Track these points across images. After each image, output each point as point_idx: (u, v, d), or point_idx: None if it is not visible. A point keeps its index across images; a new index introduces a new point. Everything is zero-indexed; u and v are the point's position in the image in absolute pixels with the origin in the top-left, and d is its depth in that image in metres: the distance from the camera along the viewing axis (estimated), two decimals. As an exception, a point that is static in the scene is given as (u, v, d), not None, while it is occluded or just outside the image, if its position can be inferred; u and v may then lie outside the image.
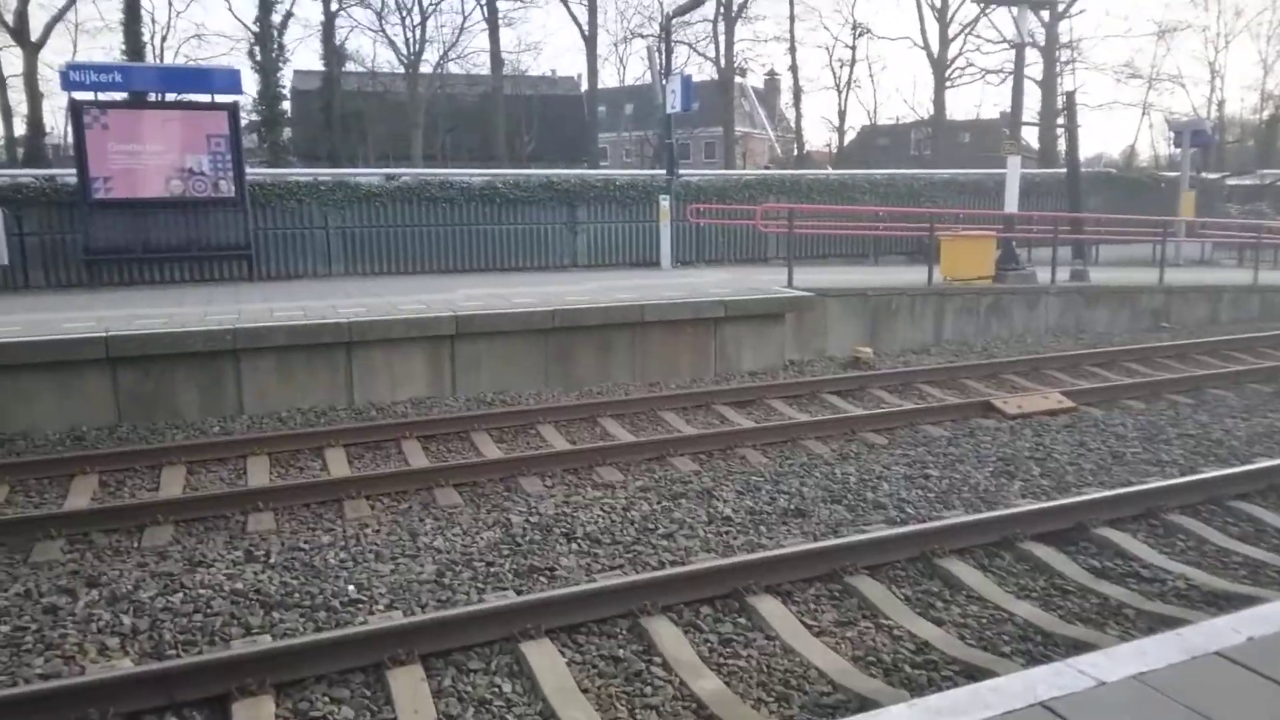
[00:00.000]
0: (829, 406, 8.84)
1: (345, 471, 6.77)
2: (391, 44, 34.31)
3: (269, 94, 28.38)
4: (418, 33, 34.12)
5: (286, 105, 32.29)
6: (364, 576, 4.85)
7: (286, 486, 6.24)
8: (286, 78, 31.09)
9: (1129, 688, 2.59)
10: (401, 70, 34.61)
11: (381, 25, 33.77)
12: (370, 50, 53.21)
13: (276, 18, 28.29)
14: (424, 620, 4.04)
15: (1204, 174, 24.26)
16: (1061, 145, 20.72)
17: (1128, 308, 13.68)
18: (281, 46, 28.67)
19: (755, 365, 10.49)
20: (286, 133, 32.39)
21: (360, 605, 4.52)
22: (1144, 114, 47.33)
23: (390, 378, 8.92)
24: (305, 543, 5.38)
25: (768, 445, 7.44)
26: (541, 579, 4.82)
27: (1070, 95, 18.77)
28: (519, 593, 4.57)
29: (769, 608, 4.43)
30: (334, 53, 32.64)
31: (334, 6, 31.93)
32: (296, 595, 4.61)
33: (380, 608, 4.48)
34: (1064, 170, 17.65)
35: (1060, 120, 19.67)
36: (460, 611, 4.12)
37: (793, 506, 5.95)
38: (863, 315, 11.66)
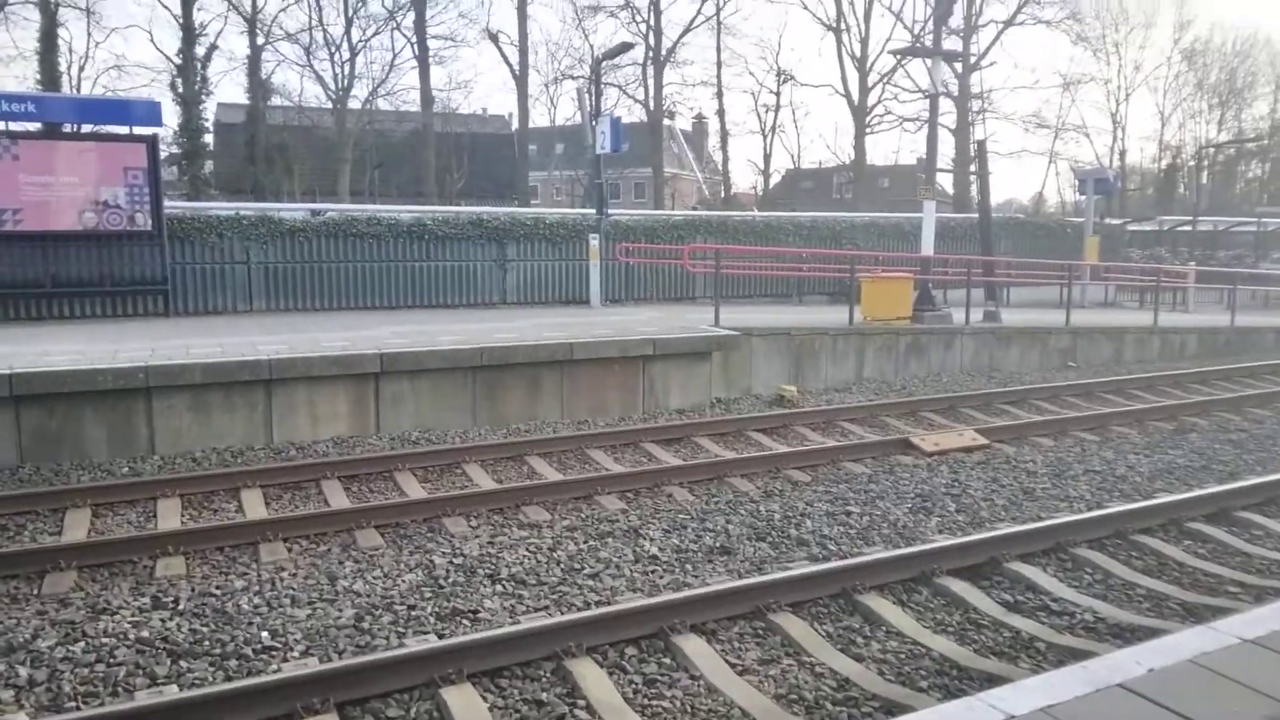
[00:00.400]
0: (755, 444, 8.96)
1: (262, 513, 6.57)
2: (319, 79, 33.88)
3: (191, 126, 27.74)
4: (346, 68, 33.85)
5: (209, 138, 31.59)
6: (279, 622, 4.70)
7: (199, 529, 6.03)
8: (210, 110, 30.45)
9: None
10: (329, 105, 34.27)
11: (309, 61, 33.44)
12: (297, 85, 52.67)
13: (200, 50, 27.75)
14: (340, 667, 3.94)
15: (1107, 220, 25.57)
16: (974, 191, 21.62)
17: (1037, 348, 14.25)
18: (205, 79, 28.10)
19: (683, 403, 10.59)
20: (208, 166, 31.67)
21: (274, 652, 4.38)
22: (1051, 162, 49.70)
23: (312, 416, 8.73)
24: (217, 588, 5.20)
25: (695, 483, 7.50)
26: (464, 622, 4.74)
27: (981, 144, 19.61)
28: (441, 636, 4.49)
29: (694, 647, 4.44)
30: (259, 86, 32.13)
31: (260, 41, 31.52)
32: (206, 643, 4.44)
33: (295, 655, 4.35)
34: (977, 215, 18.39)
35: (973, 167, 20.54)
36: (379, 657, 4.02)
37: (718, 544, 6.00)
38: (787, 354, 11.89)
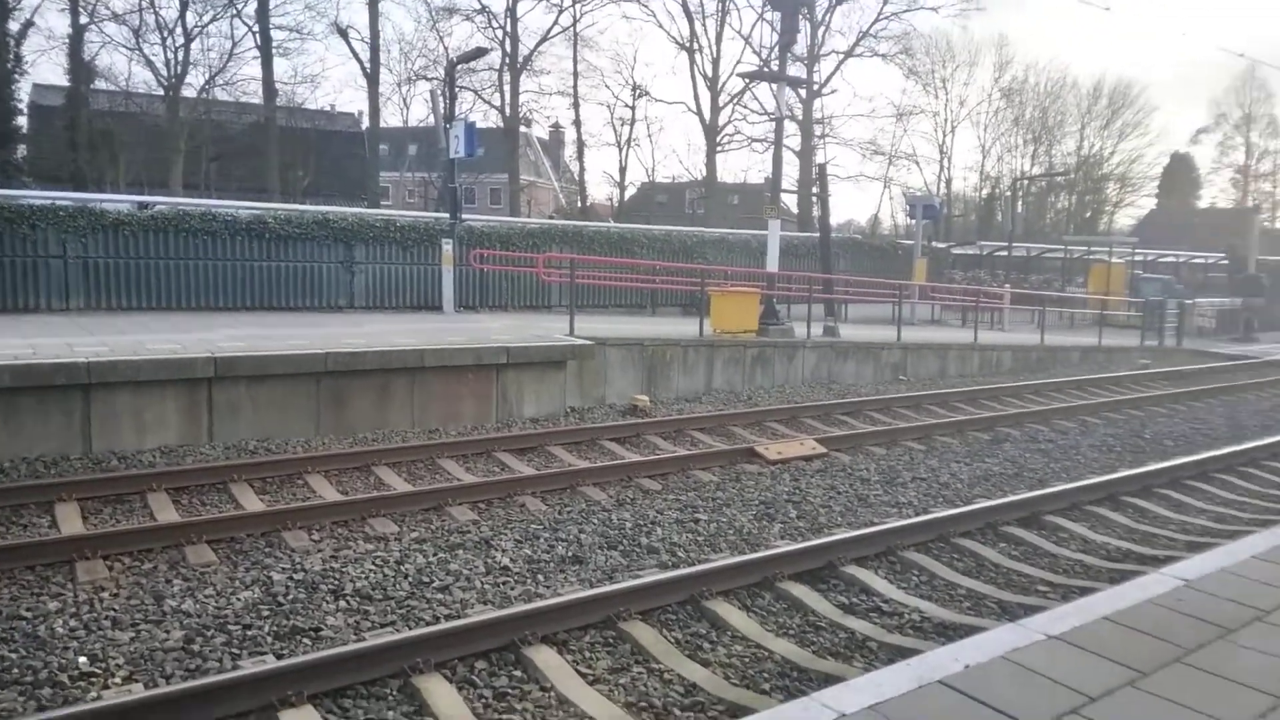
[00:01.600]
0: (608, 453, 9.05)
1: (78, 529, 6.08)
2: (150, 64, 31.55)
3: (1, 108, 25.29)
4: (181, 54, 31.73)
5: (23, 121, 28.89)
6: (98, 646, 4.38)
7: (5, 547, 5.51)
8: (24, 91, 27.88)
9: (865, 717, 2.85)
10: (160, 92, 32.02)
11: (139, 44, 31.13)
12: (125, 68, 48.91)
13: (14, 25, 25.36)
14: (167, 693, 3.71)
15: (934, 243, 27.41)
16: (816, 212, 22.69)
17: (872, 362, 15.10)
18: (19, 57, 25.70)
19: (537, 412, 10.56)
20: (21, 150, 28.93)
21: (94, 679, 4.07)
22: (885, 187, 52.83)
23: (137, 424, 8.14)
24: (27, 610, 4.78)
25: (548, 493, 7.50)
26: (305, 641, 4.56)
27: (822, 167, 20.66)
28: (279, 656, 4.30)
29: (545, 658, 4.45)
30: (81, 68, 29.66)
31: (83, 20, 29.12)
32: (16, 670, 4.09)
33: (117, 681, 4.06)
34: (818, 234, 19.30)
35: (815, 189, 21.56)
36: (210, 681, 3.81)
37: (571, 554, 6.03)
38: (640, 364, 12.08)
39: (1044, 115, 55.83)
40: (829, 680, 4.22)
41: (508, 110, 36.80)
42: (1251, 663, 3.39)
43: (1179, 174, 66.38)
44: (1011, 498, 7.40)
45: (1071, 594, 5.44)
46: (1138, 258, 31.56)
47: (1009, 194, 49.49)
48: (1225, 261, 31.40)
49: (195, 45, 32.40)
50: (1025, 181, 54.76)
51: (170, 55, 31.69)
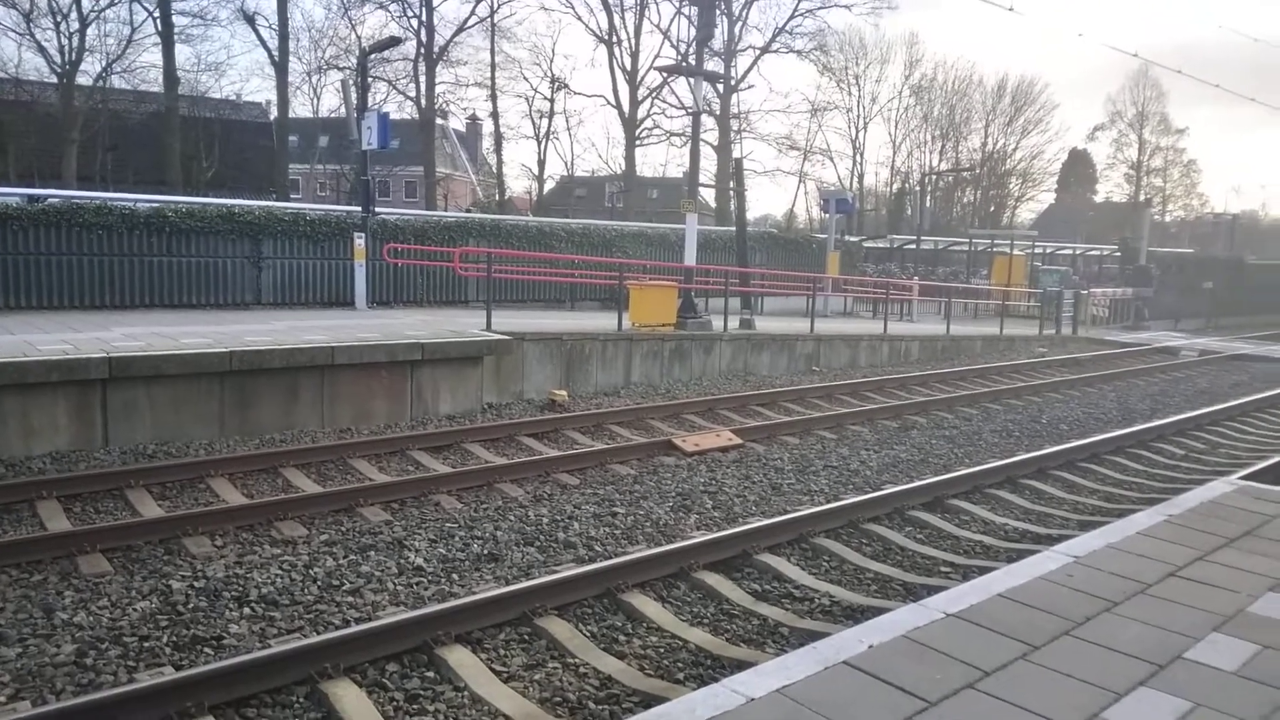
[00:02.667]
0: (525, 449, 8.99)
1: (-42, 542, 5.73)
2: (42, 50, 29.84)
3: (-127, 92, 23.60)
4: (75, 40, 30.14)
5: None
6: (-21, 666, 4.14)
7: (-127, 565, 5.17)
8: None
9: (772, 701, 2.91)
10: (53, 80, 30.36)
11: (30, 29, 29.42)
12: (15, 55, 46.19)
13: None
14: (55, 710, 3.53)
15: (847, 237, 28.04)
16: (733, 206, 22.97)
17: (786, 353, 15.38)
18: (-102, 41, 24.01)
19: (453, 409, 10.42)
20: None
21: (-27, 701, 3.85)
22: (800, 182, 53.77)
23: (24, 429, 7.72)
24: (-102, 632, 4.49)
25: (463, 490, 7.41)
26: (207, 650, 4.40)
27: (739, 161, 20.92)
28: (178, 668, 4.15)
29: (458, 658, 4.40)
30: (-34, 53, 27.92)
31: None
32: (-118, 698, 3.83)
33: (2, 699, 3.85)
34: (735, 228, 19.54)
35: (731, 183, 21.81)
36: (102, 696, 3.65)
37: (486, 552, 5.97)
38: (559, 359, 12.04)
39: (951, 112, 57.74)
40: (741, 666, 4.29)
41: (423, 101, 36.15)
42: (1135, 632, 3.57)
43: (1077, 169, 69.57)
44: (917, 483, 7.63)
45: (972, 573, 5.64)
46: (1038, 250, 32.93)
47: (918, 189, 51.04)
48: (1118, 254, 33.00)
49: (91, 31, 30.87)
50: (934, 177, 56.53)
51: (64, 41, 30.09)
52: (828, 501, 7.27)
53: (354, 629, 4.44)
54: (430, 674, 4.31)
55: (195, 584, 5.19)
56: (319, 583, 5.31)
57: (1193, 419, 11.23)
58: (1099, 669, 3.23)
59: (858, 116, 54.00)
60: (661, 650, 4.70)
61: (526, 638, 4.75)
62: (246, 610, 4.89)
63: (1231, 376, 16.94)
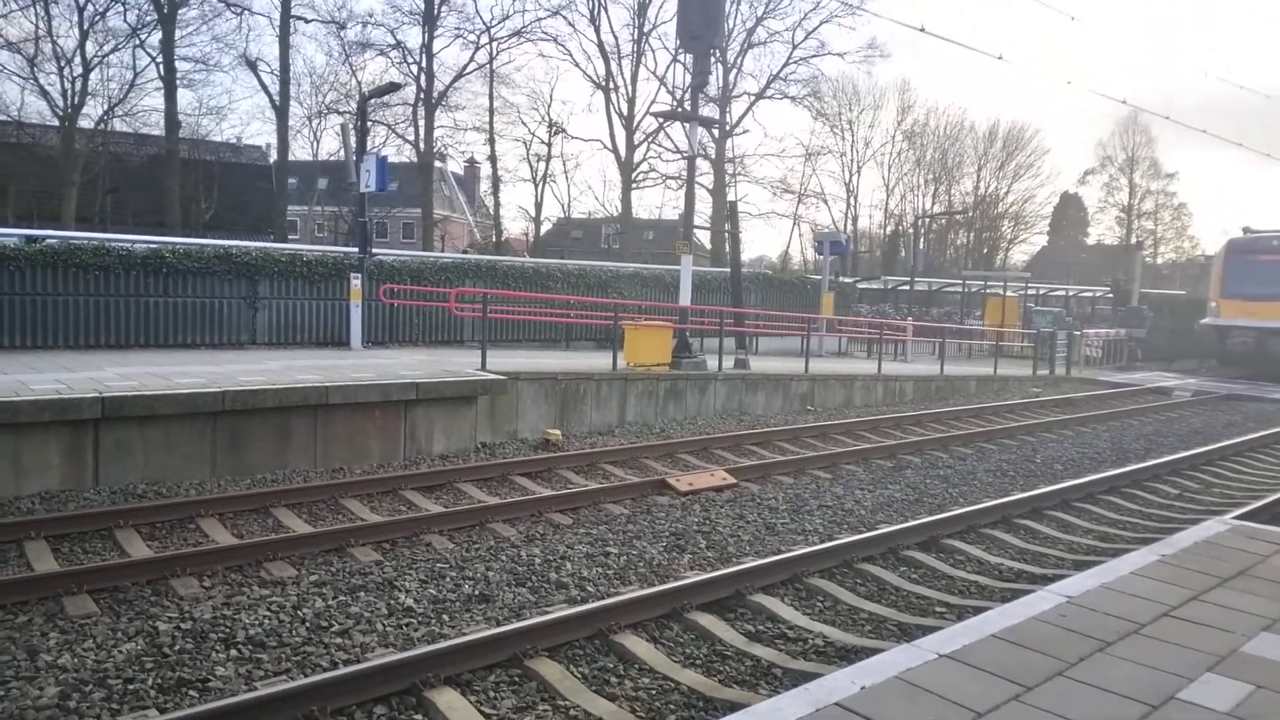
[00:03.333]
0: (518, 489, 8.96)
1: (-57, 583, 5.67)
2: (45, 94, 30.18)
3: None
4: (78, 84, 30.51)
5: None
6: (-40, 709, 4.08)
7: None
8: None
9: (762, 741, 2.88)
10: (55, 123, 30.67)
11: (34, 73, 29.80)
12: (17, 97, 46.64)
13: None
14: (37, 754, 3.48)
15: (841, 278, 28.21)
16: (728, 247, 23.16)
17: (781, 393, 15.39)
18: (-98, 85, 24.31)
19: (447, 448, 10.39)
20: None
21: (-48, 745, 3.79)
22: (795, 224, 54.25)
23: (14, 468, 7.68)
24: (-121, 674, 4.42)
25: (455, 530, 7.36)
26: (192, 693, 4.35)
27: (733, 204, 21.13)
28: (162, 710, 4.09)
29: (447, 700, 4.35)
30: (-31, 96, 28.22)
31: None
32: None
33: (-20, 745, 3.79)
34: (730, 269, 19.65)
35: (726, 225, 22.02)
36: (85, 739, 3.60)
37: (477, 592, 5.92)
38: (553, 398, 12.04)
39: (944, 156, 58.50)
40: (734, 708, 4.23)
41: (422, 145, 36.55)
42: (1128, 673, 3.55)
43: (1069, 212, 70.25)
44: (912, 522, 7.60)
45: (966, 613, 5.60)
46: (1031, 291, 33.10)
47: (911, 231, 51.49)
48: (1110, 295, 33.21)
49: (94, 75, 31.26)
50: (927, 219, 57.09)
51: (67, 85, 30.48)
52: (822, 541, 7.23)
53: (342, 671, 4.39)
54: (419, 717, 4.25)
55: (182, 625, 5.14)
56: (308, 624, 5.25)
57: (1187, 459, 11.23)
58: (1092, 710, 3.20)
59: (851, 160, 54.71)
60: (653, 692, 4.64)
61: (517, 679, 4.69)
62: (233, 652, 4.83)
63: (1225, 416, 16.97)
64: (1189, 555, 5.26)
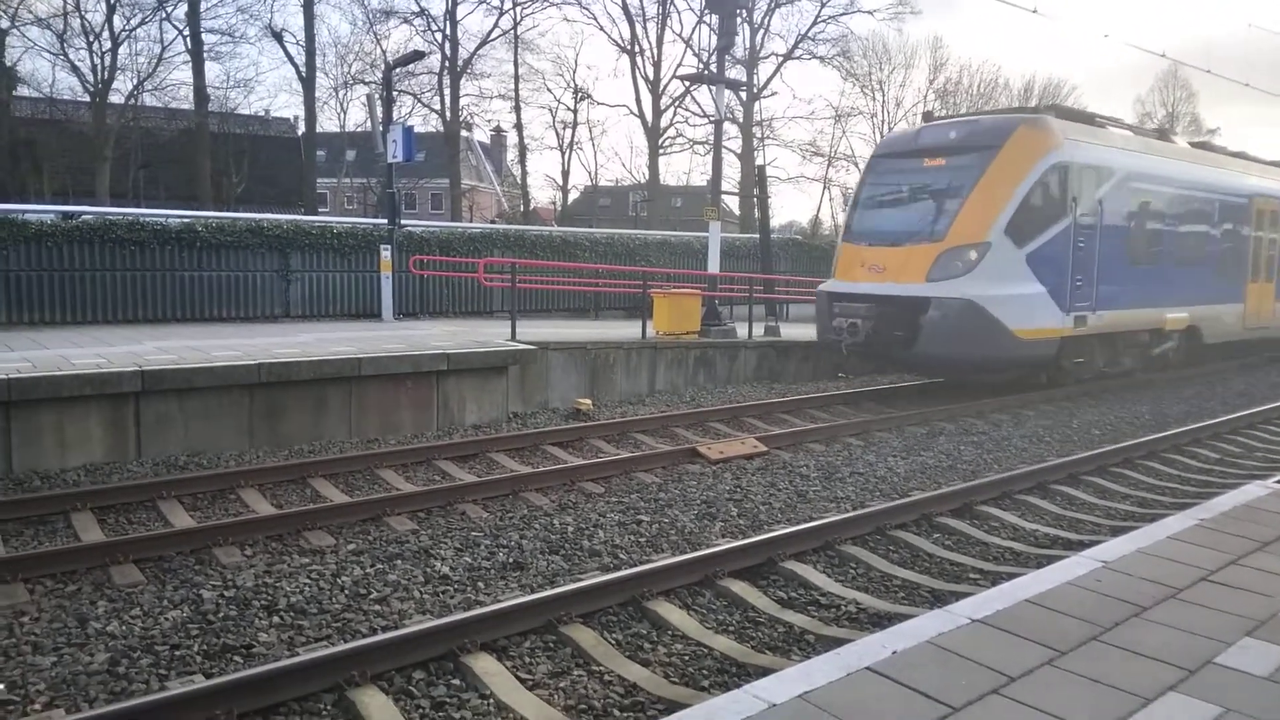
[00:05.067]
0: (550, 458, 9.03)
1: (-3, 553, 5.86)
2: (75, 69, 30.49)
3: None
4: (107, 59, 30.76)
5: (-59, 130, 27.78)
6: (18, 673, 4.23)
7: (-85, 575, 5.29)
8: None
9: (793, 706, 2.90)
10: (86, 98, 31.01)
11: (64, 49, 30.09)
12: (49, 74, 47.18)
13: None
14: (88, 717, 3.60)
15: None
16: (756, 213, 22.95)
17: (812, 360, 15.30)
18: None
19: (479, 418, 10.48)
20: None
21: (12, 706, 3.93)
22: (825, 188, 53.48)
23: (60, 442, 7.88)
24: (-61, 641, 4.59)
25: (489, 499, 7.45)
26: (236, 659, 4.47)
27: (762, 169, 20.86)
28: (208, 676, 4.21)
29: (484, 665, 4.42)
30: (4, 75, 28.60)
31: (4, 24, 28.10)
32: (-76, 705, 3.92)
33: (37, 707, 3.94)
34: (759, 235, 19.52)
35: (755, 190, 21.81)
36: (134, 704, 3.71)
37: (511, 560, 6.00)
38: (583, 367, 12.08)
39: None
40: (765, 673, 4.26)
41: (448, 114, 36.47)
42: (1164, 638, 3.52)
43: (1106, 171, 68.50)
44: (945, 489, 7.56)
45: (1000, 580, 5.57)
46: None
47: (944, 192, 50.51)
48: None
49: (123, 50, 31.46)
50: (959, 180, 55.86)
51: (97, 60, 30.72)
52: (854, 509, 7.22)
53: (381, 637, 4.47)
54: (456, 681, 4.34)
55: (225, 593, 5.27)
56: (347, 591, 5.36)
57: (1228, 422, 11.03)
58: (1127, 674, 3.19)
59: (882, 121, 53.63)
60: (686, 657, 4.69)
61: (552, 645, 4.76)
62: (275, 619, 4.95)
63: (1270, 378, 16.61)
64: (1228, 519, 5.18)
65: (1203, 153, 16.33)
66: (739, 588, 5.55)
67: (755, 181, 24.04)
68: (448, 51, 35.17)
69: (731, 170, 36.95)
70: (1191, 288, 14.90)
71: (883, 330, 12.02)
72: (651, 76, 37.98)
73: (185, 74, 32.83)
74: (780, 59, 38.60)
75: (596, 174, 54.89)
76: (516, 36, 37.58)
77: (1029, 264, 11.78)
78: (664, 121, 38.52)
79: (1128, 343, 14.09)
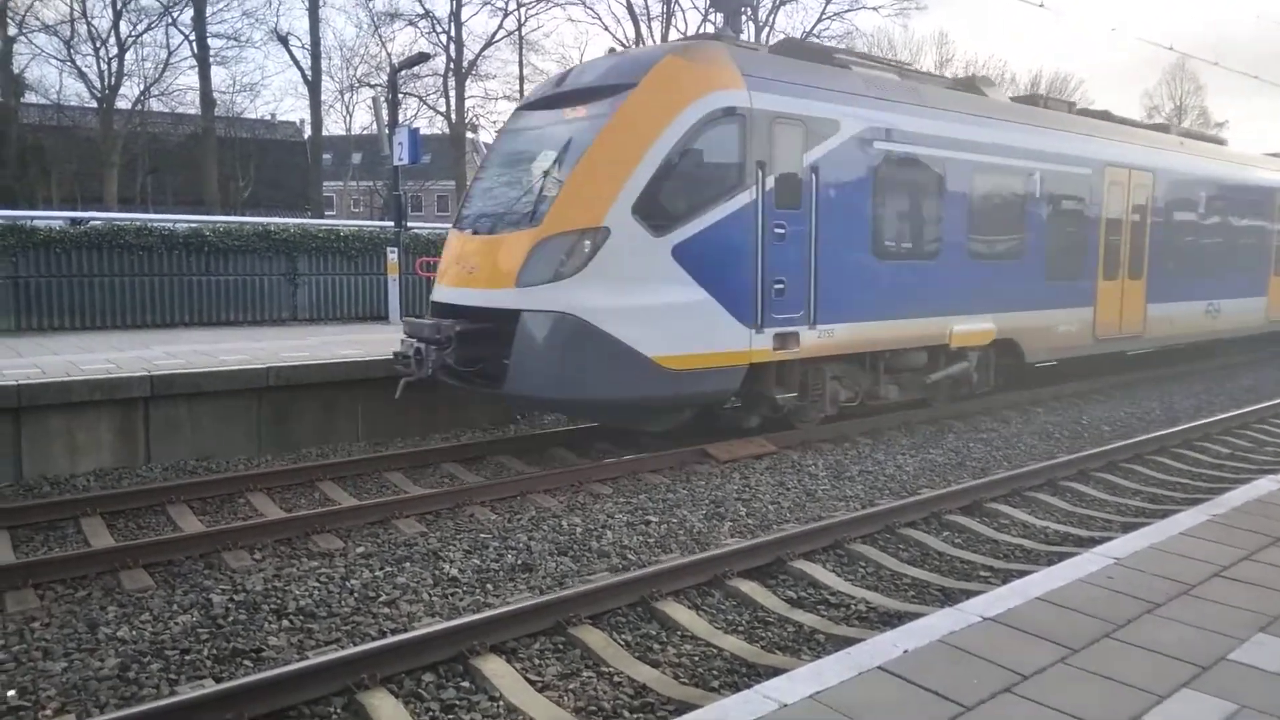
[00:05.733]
0: (558, 460, 9.01)
1: (8, 558, 5.89)
2: (82, 75, 30.71)
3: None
4: (114, 65, 30.94)
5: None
6: (28, 678, 4.24)
7: (-73, 582, 5.31)
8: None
9: (805, 706, 2.89)
10: (93, 104, 31.18)
11: (71, 55, 30.27)
12: (57, 81, 47.54)
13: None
14: (101, 723, 3.61)
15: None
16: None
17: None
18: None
19: (487, 421, 10.48)
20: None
21: (23, 712, 3.94)
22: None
23: (69, 447, 7.92)
24: (-50, 647, 4.61)
25: (497, 501, 7.44)
26: (246, 663, 4.47)
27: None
28: (218, 680, 4.21)
29: (493, 667, 4.42)
30: (11, 82, 28.78)
31: (12, 32, 28.29)
32: (-64, 711, 3.93)
33: (48, 713, 3.95)
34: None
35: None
36: (144, 709, 3.71)
37: (520, 562, 5.99)
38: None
39: (983, 110, 56.90)
40: (776, 673, 4.25)
41: (454, 116, 36.56)
42: (1177, 634, 3.49)
43: (1114, 165, 68.21)
44: (954, 487, 7.53)
45: (1011, 577, 5.54)
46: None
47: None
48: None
49: (129, 55, 31.71)
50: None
51: (103, 66, 30.95)
52: (863, 507, 7.20)
53: (390, 640, 4.47)
54: (466, 684, 4.33)
55: (235, 597, 5.28)
56: (356, 594, 5.37)
57: (1238, 417, 10.96)
58: (1140, 672, 3.16)
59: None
60: (696, 658, 4.68)
61: (561, 647, 4.76)
62: (285, 622, 4.96)
63: (1278, 374, 16.51)
64: (1240, 515, 5.15)
65: (1028, 109, 12.16)
66: (748, 587, 5.53)
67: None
68: (453, 53, 35.29)
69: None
70: (1002, 288, 11.08)
71: (467, 359, 8.17)
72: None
73: (191, 79, 33.22)
74: (785, 57, 38.49)
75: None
76: (521, 38, 37.60)
77: (678, 259, 7.98)
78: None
79: (891, 366, 10.26)
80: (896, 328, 9.89)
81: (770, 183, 8.49)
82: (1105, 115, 13.88)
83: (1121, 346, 13.56)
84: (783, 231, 8.61)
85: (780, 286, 8.62)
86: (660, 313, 7.94)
